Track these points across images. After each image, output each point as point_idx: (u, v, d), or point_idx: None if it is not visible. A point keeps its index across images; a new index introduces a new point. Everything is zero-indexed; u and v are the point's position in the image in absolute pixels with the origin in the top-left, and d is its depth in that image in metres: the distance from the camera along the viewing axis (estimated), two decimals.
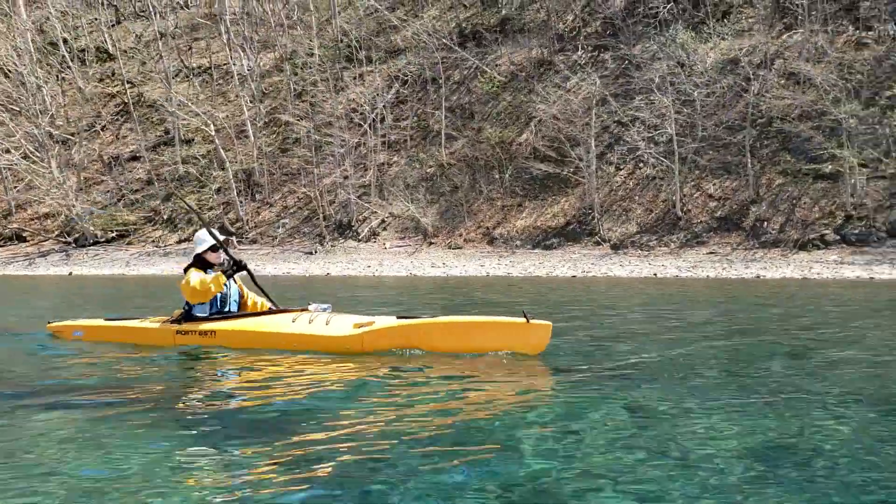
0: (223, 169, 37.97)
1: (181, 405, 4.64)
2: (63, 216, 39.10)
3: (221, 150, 37.80)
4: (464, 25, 41.06)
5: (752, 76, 32.04)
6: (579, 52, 37.82)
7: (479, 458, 3.24)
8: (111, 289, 20.85)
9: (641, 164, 33.37)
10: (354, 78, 40.30)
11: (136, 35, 47.00)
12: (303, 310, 6.81)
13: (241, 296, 7.27)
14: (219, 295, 6.92)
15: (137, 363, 6.16)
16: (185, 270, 6.92)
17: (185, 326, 6.91)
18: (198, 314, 6.95)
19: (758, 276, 22.78)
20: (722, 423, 3.81)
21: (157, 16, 46.41)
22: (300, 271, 30.52)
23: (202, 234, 6.98)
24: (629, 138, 33.32)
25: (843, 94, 29.41)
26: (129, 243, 38.53)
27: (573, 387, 4.83)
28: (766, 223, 29.71)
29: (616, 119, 34.64)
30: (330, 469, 3.17)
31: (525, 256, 31.54)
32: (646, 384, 4.84)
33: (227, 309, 7.06)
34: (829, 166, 29.30)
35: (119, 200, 40.55)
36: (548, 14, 39.30)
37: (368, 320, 6.50)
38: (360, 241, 35.10)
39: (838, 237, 28.18)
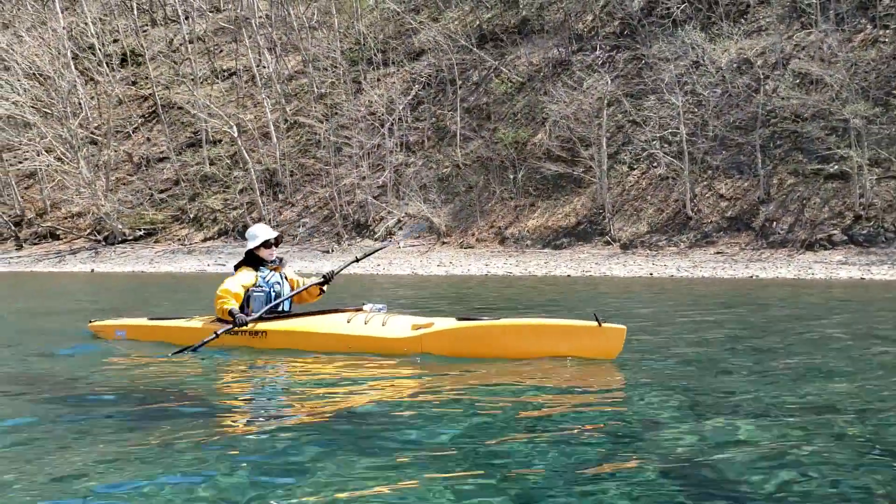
0: (245, 170, 38.99)
1: (230, 410, 4.43)
2: (91, 214, 40.53)
3: (244, 152, 38.81)
4: (484, 27, 41.46)
5: (762, 76, 31.88)
6: (597, 52, 37.95)
7: (547, 471, 3.07)
8: (110, 285, 21.76)
9: (655, 164, 33.42)
10: (376, 80, 40.95)
11: (168, 39, 48.37)
12: (357, 309, 6.52)
13: (291, 289, 6.96)
14: (272, 293, 6.66)
15: (183, 365, 5.92)
16: (237, 268, 6.75)
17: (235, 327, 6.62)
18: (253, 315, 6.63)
19: (752, 277, 22.81)
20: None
21: (189, 20, 47.70)
22: (312, 269, 31.29)
23: (255, 229, 6.77)
24: (642, 138, 33.44)
25: (854, 93, 29.16)
26: (157, 241, 39.78)
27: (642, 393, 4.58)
28: (774, 223, 29.58)
29: (630, 119, 34.74)
30: (387, 473, 3.06)
31: (533, 256, 31.85)
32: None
33: (279, 309, 6.78)
34: (836, 166, 29.07)
35: (149, 199, 41.82)
36: (565, 15, 39.48)
37: (427, 321, 6.25)
38: (376, 240, 35.76)
39: (846, 237, 27.97)
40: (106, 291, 18.85)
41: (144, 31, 49.09)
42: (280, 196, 39.61)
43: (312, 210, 38.34)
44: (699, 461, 3.19)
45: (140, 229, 40.19)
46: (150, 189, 42.29)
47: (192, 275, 29.25)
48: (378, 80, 40.68)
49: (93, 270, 32.60)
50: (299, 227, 37.82)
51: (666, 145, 32.85)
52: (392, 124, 38.34)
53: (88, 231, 40.97)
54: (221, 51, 47.76)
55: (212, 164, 41.13)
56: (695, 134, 32.42)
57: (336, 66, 40.86)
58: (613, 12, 38.70)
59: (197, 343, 6.32)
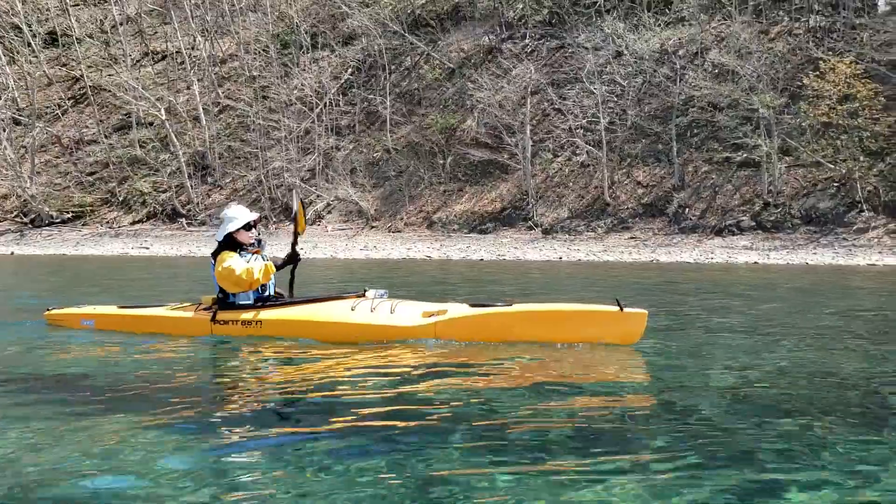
0: (171, 153, 38.84)
1: (228, 404, 4.11)
2: (17, 197, 39.99)
3: (172, 135, 38.61)
4: (418, 12, 41.66)
5: (679, 67, 32.69)
6: (526, 41, 38.49)
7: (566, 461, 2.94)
8: (25, 269, 21.69)
9: (578, 152, 34.12)
10: (308, 64, 40.94)
11: (99, 21, 47.64)
12: (359, 295, 6.21)
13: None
14: None
15: (169, 357, 5.48)
16: (215, 254, 6.27)
17: (224, 315, 6.20)
18: (240, 301, 6.27)
19: (653, 261, 23.60)
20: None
21: (120, 1, 47.08)
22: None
23: (232, 211, 6.37)
24: (565, 126, 34.14)
25: (766, 85, 30.11)
26: (85, 224, 39.42)
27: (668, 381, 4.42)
28: (687, 209, 30.51)
29: (554, 107, 35.38)
30: (397, 465, 2.89)
31: (458, 241, 32.34)
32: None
33: (266, 294, 6.40)
34: (744, 155, 30.05)
35: (77, 182, 41.34)
36: (494, 3, 39.88)
37: (439, 308, 6.00)
38: (306, 223, 35.91)
39: (754, 224, 28.99)
40: (30, 276, 18.85)
41: (76, 9, 48.23)
42: (209, 179, 39.51)
43: (241, 193, 38.30)
44: (734, 449, 3.12)
45: (68, 212, 39.76)
46: (79, 172, 41.80)
47: (113, 258, 29.15)
48: (310, 62, 40.67)
49: (13, 253, 32.26)
50: None
51: (588, 133, 33.57)
52: (322, 108, 38.47)
53: (14, 213, 40.38)
54: (155, 32, 47.22)
55: (141, 146, 40.79)
56: (614, 122, 33.18)
57: (266, 50, 40.79)
58: (542, 0, 39.18)
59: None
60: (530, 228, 32.74)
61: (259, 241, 6.42)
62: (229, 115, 41.37)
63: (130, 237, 36.73)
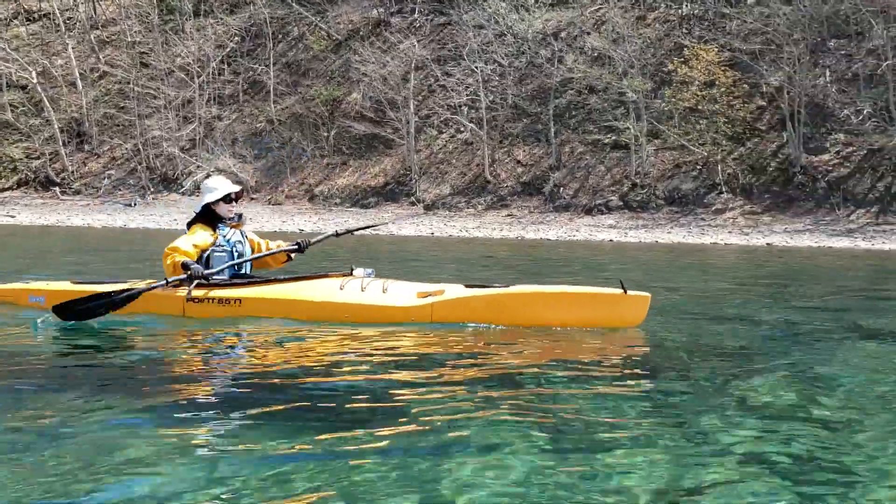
0: (44, 118, 37.36)
1: (200, 391, 3.79)
2: None
3: (46, 100, 37.11)
4: None
5: (557, 49, 33.53)
6: (415, 16, 38.61)
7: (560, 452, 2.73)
8: None
9: (461, 129, 34.62)
10: (192, 31, 39.94)
11: None
12: (346, 274, 5.82)
13: (253, 251, 6.08)
14: (234, 254, 5.78)
15: (137, 339, 5.01)
16: (189, 225, 5.84)
17: (199, 293, 5.66)
18: (214, 278, 5.71)
19: (519, 238, 24.37)
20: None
21: None
22: (119, 223, 30.58)
23: (213, 181, 5.95)
24: (449, 104, 34.55)
25: (638, 70, 31.26)
26: None
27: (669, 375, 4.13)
28: (562, 189, 31.49)
29: (440, 84, 35.73)
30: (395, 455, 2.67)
31: (338, 214, 32.46)
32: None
33: (242, 271, 5.95)
34: (615, 137, 31.21)
35: None
36: None
37: (436, 288, 5.69)
38: (182, 194, 35.27)
39: (621, 203, 30.21)
40: None
41: None
42: (85, 147, 38.22)
43: (119, 162, 37.29)
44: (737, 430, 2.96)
45: None
46: None
47: None
48: (194, 29, 39.69)
49: None
50: (104, 179, 36.72)
51: (473, 112, 34.09)
52: (205, 77, 37.67)
53: None
54: None
55: (12, 110, 39.01)
56: (496, 102, 33.80)
57: (149, 15, 39.56)
58: None
59: (118, 294, 5.16)
60: (413, 204, 33.11)
61: (240, 216, 5.93)
62: (108, 82, 40.03)
63: None
